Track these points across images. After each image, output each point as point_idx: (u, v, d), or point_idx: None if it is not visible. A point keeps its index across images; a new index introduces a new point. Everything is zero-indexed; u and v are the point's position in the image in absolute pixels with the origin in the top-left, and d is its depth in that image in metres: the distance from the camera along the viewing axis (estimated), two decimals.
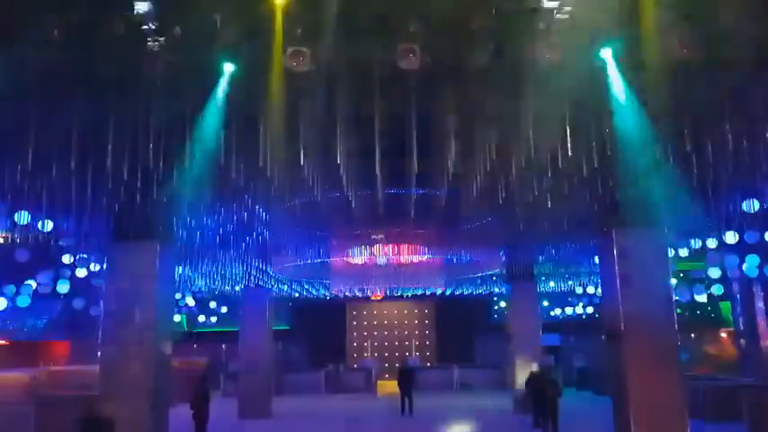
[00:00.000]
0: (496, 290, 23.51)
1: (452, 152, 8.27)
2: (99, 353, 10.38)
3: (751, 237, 13.37)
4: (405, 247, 15.34)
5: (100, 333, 10.35)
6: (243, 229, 11.18)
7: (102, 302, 10.82)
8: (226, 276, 19.01)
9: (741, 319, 20.28)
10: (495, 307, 26.70)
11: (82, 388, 13.48)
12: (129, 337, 9.83)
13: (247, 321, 17.64)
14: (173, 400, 10.08)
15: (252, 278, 17.38)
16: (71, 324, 20.90)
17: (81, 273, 15.66)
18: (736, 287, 19.69)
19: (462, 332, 25.41)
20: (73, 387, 14.25)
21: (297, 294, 24.72)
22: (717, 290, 17.99)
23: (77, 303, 18.32)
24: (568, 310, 26.04)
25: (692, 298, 20.02)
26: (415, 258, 15.81)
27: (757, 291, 19.36)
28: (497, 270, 18.59)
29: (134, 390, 9.50)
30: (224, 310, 25.52)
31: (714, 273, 16.96)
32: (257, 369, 16.97)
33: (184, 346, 22.93)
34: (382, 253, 15.41)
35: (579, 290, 23.63)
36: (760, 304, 19.64)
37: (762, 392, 13.07)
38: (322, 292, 22.64)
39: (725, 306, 23.38)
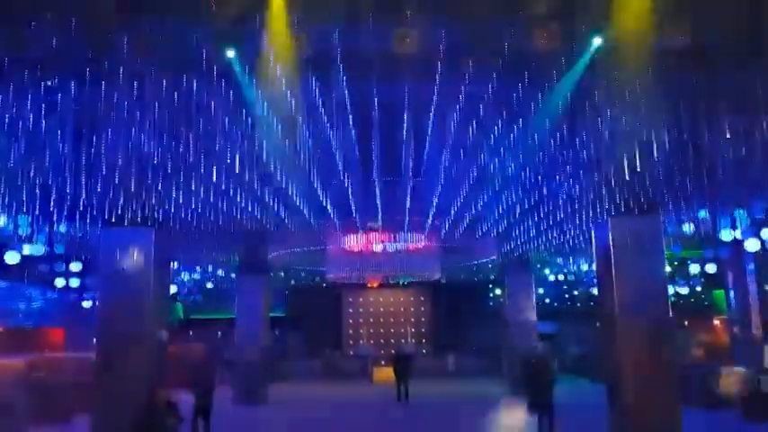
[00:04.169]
0: (493, 276, 23.58)
1: (450, 139, 8.24)
2: (95, 340, 10.39)
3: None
4: (401, 235, 15.33)
5: (96, 320, 10.35)
6: (239, 213, 11.13)
7: (97, 289, 10.80)
8: (222, 262, 19.02)
9: (734, 307, 20.43)
10: (492, 294, 26.80)
11: (78, 375, 13.51)
12: (124, 324, 9.83)
13: (243, 308, 17.66)
14: (171, 388, 10.07)
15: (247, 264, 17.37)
16: (66, 311, 20.89)
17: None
18: (729, 275, 19.79)
19: (458, 319, 25.52)
20: (69, 374, 14.27)
21: (293, 281, 24.76)
22: (709, 268, 18.09)
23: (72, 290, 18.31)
24: (564, 297, 26.19)
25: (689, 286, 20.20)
26: (411, 246, 15.82)
27: (751, 279, 19.47)
28: (494, 257, 18.64)
29: (131, 377, 9.53)
30: (220, 297, 25.50)
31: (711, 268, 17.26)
32: (253, 356, 17.02)
33: (180, 333, 22.95)
34: (379, 240, 15.41)
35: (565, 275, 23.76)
36: (753, 292, 19.78)
37: (753, 380, 13.20)
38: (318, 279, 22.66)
39: (718, 294, 23.51)
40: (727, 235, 13.61)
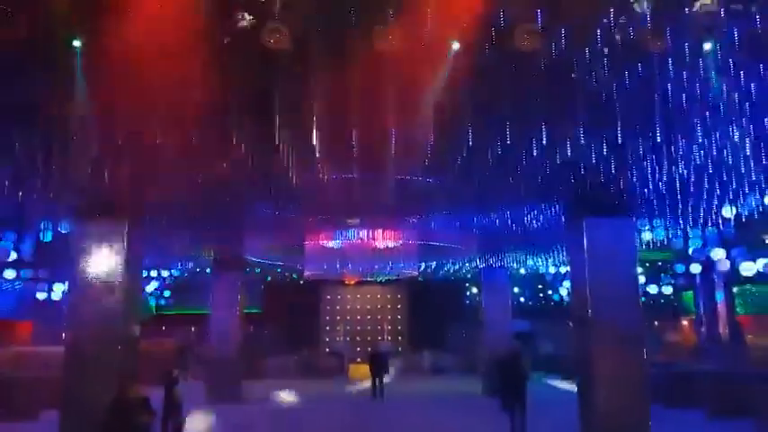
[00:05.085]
0: (469, 275, 23.75)
1: (428, 137, 8.24)
2: (63, 334, 10.18)
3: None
4: (380, 232, 15.33)
5: (65, 314, 10.14)
6: (213, 208, 11.00)
7: (67, 282, 10.58)
8: (197, 257, 18.77)
9: (702, 308, 20.98)
10: (468, 292, 26.98)
11: (46, 370, 13.22)
12: (95, 317, 9.64)
13: (218, 304, 17.48)
14: (142, 383, 9.90)
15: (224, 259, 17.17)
16: (34, 304, 20.43)
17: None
18: (698, 277, 20.29)
19: (435, 317, 25.63)
20: (37, 369, 13.97)
21: (269, 277, 24.56)
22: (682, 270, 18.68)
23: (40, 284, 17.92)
24: (539, 296, 26.53)
25: (660, 290, 20.75)
26: (390, 243, 15.83)
27: (718, 281, 20.02)
28: (470, 255, 18.77)
29: (100, 371, 9.35)
30: (193, 292, 25.20)
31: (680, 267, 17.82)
32: (227, 352, 16.85)
33: (152, 328, 22.64)
34: (357, 237, 15.37)
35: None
36: (720, 294, 20.35)
37: (720, 378, 13.54)
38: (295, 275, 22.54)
39: (687, 295, 24.08)
40: (697, 251, 14.07)
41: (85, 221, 9.93)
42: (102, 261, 9.68)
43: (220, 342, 17.00)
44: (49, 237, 13.50)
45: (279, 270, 22.22)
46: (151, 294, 24.42)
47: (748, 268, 15.13)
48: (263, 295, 26.14)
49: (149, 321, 22.84)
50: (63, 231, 12.63)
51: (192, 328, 23.54)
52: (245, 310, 18.53)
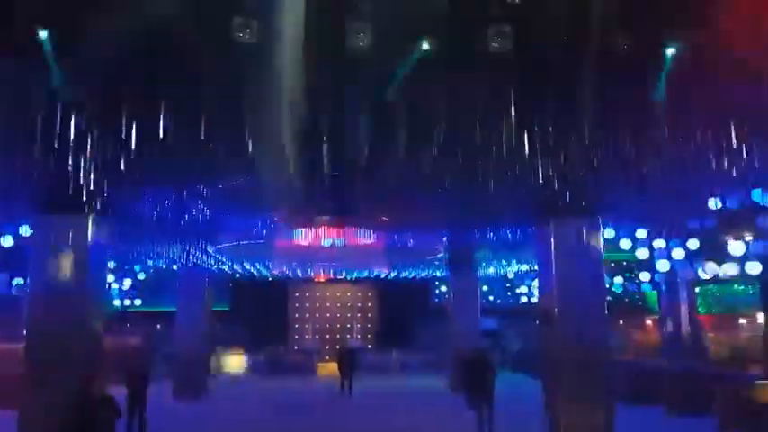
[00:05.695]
0: (438, 274, 23.93)
1: (397, 136, 8.24)
2: (24, 331, 9.90)
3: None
4: (349, 230, 15.30)
5: (26, 311, 9.86)
6: (182, 205, 10.81)
7: (28, 279, 10.27)
8: (162, 254, 18.43)
9: (665, 308, 21.53)
10: (437, 291, 27.15)
11: (5, 366, 12.81)
12: (57, 316, 9.39)
13: (184, 301, 17.25)
14: (107, 381, 9.68)
15: (190, 256, 16.91)
16: None
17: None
18: (662, 279, 20.83)
19: (403, 315, 25.71)
20: None
21: (237, 275, 24.28)
22: (644, 276, 19.18)
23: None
24: (507, 294, 26.88)
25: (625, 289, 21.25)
26: (360, 241, 15.82)
27: (682, 281, 20.57)
28: (440, 254, 18.90)
29: (62, 370, 9.11)
30: (159, 289, 24.73)
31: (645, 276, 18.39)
32: (193, 349, 16.66)
33: (117, 325, 22.15)
34: (327, 235, 15.32)
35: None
36: (683, 293, 20.91)
37: (681, 377, 13.96)
38: (264, 272, 22.32)
39: (651, 295, 24.69)
40: (662, 266, 14.59)
41: (47, 218, 9.67)
42: (65, 258, 9.43)
43: (187, 340, 16.78)
44: (9, 240, 13.13)
45: (247, 266, 21.98)
46: (116, 292, 23.86)
47: (710, 270, 15.58)
48: (231, 292, 25.83)
49: (114, 319, 22.34)
50: (24, 235, 12.31)
51: (158, 326, 23.12)
52: (213, 308, 18.30)
